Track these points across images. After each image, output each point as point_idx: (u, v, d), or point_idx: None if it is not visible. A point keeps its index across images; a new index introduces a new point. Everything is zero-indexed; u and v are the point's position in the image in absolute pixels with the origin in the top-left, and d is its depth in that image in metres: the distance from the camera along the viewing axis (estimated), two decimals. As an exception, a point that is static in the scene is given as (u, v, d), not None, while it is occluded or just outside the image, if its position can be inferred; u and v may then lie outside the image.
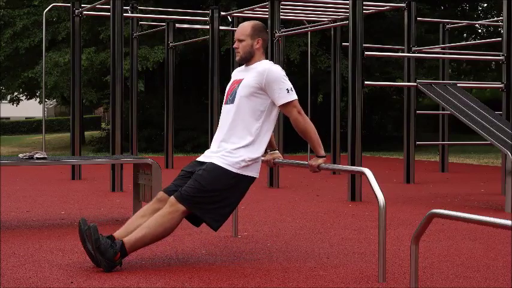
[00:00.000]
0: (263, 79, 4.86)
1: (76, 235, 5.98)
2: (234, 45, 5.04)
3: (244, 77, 4.96)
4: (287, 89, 4.88)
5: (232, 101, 4.94)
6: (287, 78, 4.94)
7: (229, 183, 4.78)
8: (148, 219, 4.74)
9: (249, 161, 4.82)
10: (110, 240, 4.60)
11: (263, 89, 4.87)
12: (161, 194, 4.87)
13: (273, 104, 4.92)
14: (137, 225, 4.75)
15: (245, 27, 5.03)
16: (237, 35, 5.04)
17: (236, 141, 4.84)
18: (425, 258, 5.06)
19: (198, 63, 24.94)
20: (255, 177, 4.91)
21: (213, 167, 4.79)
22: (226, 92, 5.08)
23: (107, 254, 4.53)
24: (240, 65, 5.17)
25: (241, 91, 4.90)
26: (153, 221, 4.69)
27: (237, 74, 5.11)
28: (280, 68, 4.98)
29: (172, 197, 4.75)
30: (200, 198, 4.73)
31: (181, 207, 4.71)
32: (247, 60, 5.01)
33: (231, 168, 4.78)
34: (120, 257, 4.59)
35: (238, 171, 4.80)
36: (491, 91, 31.96)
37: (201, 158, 4.97)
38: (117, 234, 4.72)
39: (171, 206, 4.71)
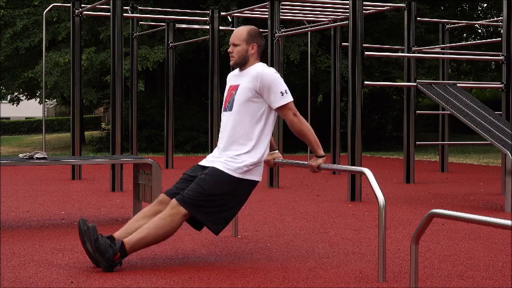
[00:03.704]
0: (257, 83, 4.86)
1: (76, 235, 5.99)
2: (229, 50, 5.03)
3: (240, 82, 4.96)
4: (281, 92, 4.86)
5: (230, 108, 4.95)
6: (281, 80, 4.93)
7: (231, 188, 4.79)
8: (149, 221, 4.75)
9: (250, 165, 4.84)
10: (109, 240, 4.61)
11: (259, 93, 4.88)
12: (162, 196, 4.88)
13: (269, 107, 4.92)
14: (137, 227, 4.76)
15: (241, 32, 5.01)
16: (232, 40, 5.02)
17: (238, 148, 4.86)
18: (425, 258, 5.06)
19: (198, 63, 24.94)
20: (258, 181, 4.93)
21: (216, 172, 4.80)
22: (224, 98, 5.08)
23: (106, 254, 4.53)
24: (233, 68, 5.18)
25: (238, 98, 4.91)
26: (154, 223, 4.69)
27: (232, 78, 5.11)
28: (274, 71, 4.96)
29: (173, 199, 4.76)
30: (202, 202, 4.74)
31: (182, 210, 4.72)
32: (241, 65, 5.01)
33: (233, 173, 4.80)
34: (120, 257, 4.59)
35: (240, 176, 4.81)
36: (491, 91, 31.97)
37: (203, 162, 4.98)
38: (117, 234, 4.73)
39: (172, 209, 4.72)
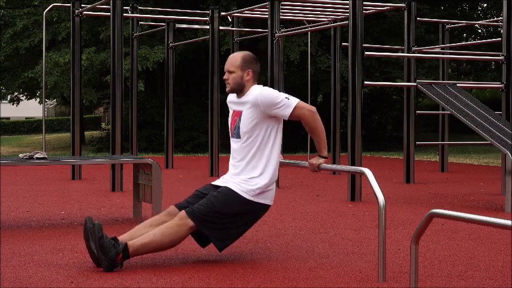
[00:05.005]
0: (259, 106, 4.89)
1: (76, 235, 5.99)
2: (224, 77, 5.04)
3: (242, 109, 4.98)
4: (286, 98, 4.89)
5: (237, 136, 4.99)
6: (278, 91, 4.98)
7: (241, 209, 4.85)
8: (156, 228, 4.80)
9: (263, 187, 4.89)
10: (113, 240, 4.62)
11: (264, 113, 4.90)
12: (172, 208, 4.93)
13: (276, 122, 4.96)
14: (143, 234, 4.80)
15: (235, 59, 5.01)
16: (226, 67, 5.02)
17: (250, 172, 4.91)
18: (425, 258, 5.06)
19: (198, 63, 24.94)
20: (269, 205, 4.98)
21: (228, 191, 4.86)
22: (229, 122, 5.11)
23: (109, 254, 4.55)
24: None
25: (243, 127, 4.95)
26: (160, 231, 4.74)
27: (233, 103, 5.11)
28: (267, 87, 5.00)
29: (183, 211, 4.81)
30: (210, 218, 4.79)
31: (190, 223, 4.76)
32: (238, 91, 5.03)
33: (245, 195, 4.86)
34: (122, 258, 4.61)
35: (252, 199, 4.87)
36: (491, 91, 31.97)
37: (217, 182, 5.05)
38: (122, 238, 4.76)
39: (180, 220, 4.77)
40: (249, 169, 4.91)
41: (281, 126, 5.02)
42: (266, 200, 4.93)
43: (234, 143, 5.03)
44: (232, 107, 5.12)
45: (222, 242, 4.84)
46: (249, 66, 5.00)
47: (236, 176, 4.95)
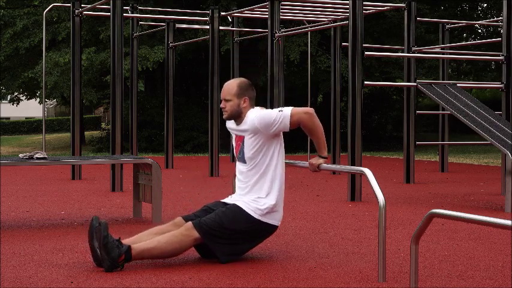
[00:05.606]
0: (258, 130, 4.94)
1: (76, 235, 6.00)
2: (221, 105, 5.10)
3: (244, 135, 5.04)
4: (279, 111, 4.93)
5: (243, 161, 5.05)
6: (271, 109, 5.04)
7: (248, 227, 4.90)
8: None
9: (271, 207, 4.94)
10: (117, 241, 4.63)
11: (265, 135, 4.95)
12: (179, 219, 4.98)
13: (278, 141, 5.01)
14: (146, 240, 4.83)
15: (231, 86, 5.05)
16: (223, 95, 5.07)
17: (257, 193, 4.97)
18: (425, 258, 5.06)
19: (198, 63, 24.94)
20: (276, 226, 5.02)
21: (237, 209, 4.92)
22: (234, 145, 5.17)
23: (112, 253, 4.56)
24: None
25: (247, 152, 5.01)
26: (165, 238, 4.77)
27: (234, 131, 5.16)
28: (261, 109, 5.04)
29: (190, 222, 4.86)
30: (217, 233, 4.83)
31: (195, 234, 4.80)
32: (235, 118, 5.08)
33: (253, 214, 4.91)
34: (124, 260, 4.61)
35: (260, 218, 4.92)
36: (491, 91, 31.97)
37: (226, 200, 5.11)
38: (125, 242, 4.77)
39: (187, 230, 4.81)
40: (256, 190, 4.97)
41: (282, 144, 5.07)
42: (274, 220, 4.98)
43: (240, 166, 5.09)
44: (233, 133, 5.19)
45: (226, 257, 4.87)
46: (245, 94, 5.05)
47: (243, 196, 5.01)
